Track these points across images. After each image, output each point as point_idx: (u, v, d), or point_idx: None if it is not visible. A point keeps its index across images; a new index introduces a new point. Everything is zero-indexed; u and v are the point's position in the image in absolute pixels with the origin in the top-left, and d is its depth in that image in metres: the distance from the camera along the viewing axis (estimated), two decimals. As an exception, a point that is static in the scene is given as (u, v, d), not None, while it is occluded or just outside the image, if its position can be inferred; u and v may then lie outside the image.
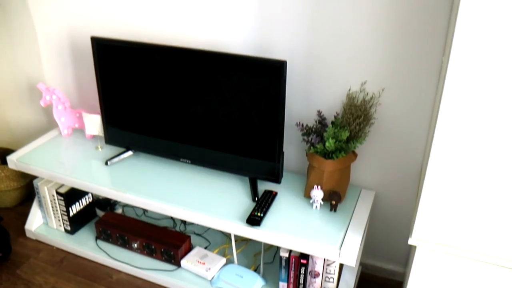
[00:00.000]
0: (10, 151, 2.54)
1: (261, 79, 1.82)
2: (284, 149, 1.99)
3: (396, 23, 1.74)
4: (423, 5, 1.67)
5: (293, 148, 2.12)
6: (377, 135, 1.97)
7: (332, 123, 1.91)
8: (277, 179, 1.98)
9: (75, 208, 2.35)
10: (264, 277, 2.10)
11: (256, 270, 2.13)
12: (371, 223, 2.15)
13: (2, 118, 2.87)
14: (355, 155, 1.96)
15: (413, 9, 1.69)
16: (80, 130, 2.51)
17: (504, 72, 1.19)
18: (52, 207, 2.35)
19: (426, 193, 1.44)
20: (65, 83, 2.55)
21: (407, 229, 1.99)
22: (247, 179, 2.09)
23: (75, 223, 2.38)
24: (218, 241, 2.32)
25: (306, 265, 1.91)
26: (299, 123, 1.94)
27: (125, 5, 2.18)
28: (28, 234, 2.46)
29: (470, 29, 1.18)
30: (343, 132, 1.82)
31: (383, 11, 1.74)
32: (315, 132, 1.92)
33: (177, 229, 2.39)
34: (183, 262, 2.14)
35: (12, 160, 2.29)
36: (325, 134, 1.85)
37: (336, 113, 1.95)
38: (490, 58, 1.19)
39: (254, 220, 1.83)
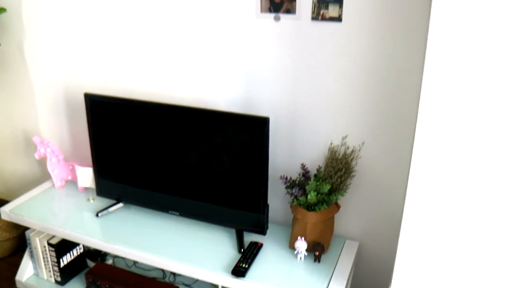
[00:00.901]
0: (4, 202, 2.59)
1: (246, 134, 1.91)
2: (270, 201, 2.05)
3: (374, 80, 1.84)
4: (398, 63, 1.78)
5: (278, 200, 2.18)
6: (359, 187, 2.04)
7: (315, 176, 1.98)
8: (262, 230, 2.04)
9: (66, 259, 2.38)
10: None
11: (243, 321, 2.16)
12: (356, 273, 2.19)
13: (-2, 169, 2.94)
14: (338, 206, 2.02)
15: (389, 67, 1.80)
16: (73, 182, 2.57)
17: (470, 127, 1.28)
18: (43, 258, 2.38)
19: (403, 245, 1.50)
20: (59, 136, 2.64)
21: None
22: (233, 230, 2.14)
23: (66, 274, 2.41)
24: (206, 291, 2.35)
25: (290, 316, 1.94)
26: (283, 176, 2.01)
27: (117, 64, 2.29)
28: (18, 285, 2.48)
29: (435, 89, 1.27)
30: (325, 185, 1.89)
31: (362, 69, 1.85)
32: (298, 185, 1.98)
33: (167, 279, 2.42)
34: (171, 313, 2.16)
35: (5, 211, 2.34)
36: (307, 187, 1.91)
37: (319, 166, 2.02)
38: (457, 116, 1.28)
39: (239, 271, 1.88)
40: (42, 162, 2.72)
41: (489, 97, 1.23)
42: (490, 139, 1.27)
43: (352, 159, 1.98)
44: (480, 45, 1.20)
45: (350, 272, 1.95)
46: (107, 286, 2.27)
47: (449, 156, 1.33)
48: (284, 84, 2.00)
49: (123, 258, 2.55)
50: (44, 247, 2.34)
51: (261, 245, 2.05)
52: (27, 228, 2.42)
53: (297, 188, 1.96)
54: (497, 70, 1.20)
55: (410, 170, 1.41)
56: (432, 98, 1.29)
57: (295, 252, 1.98)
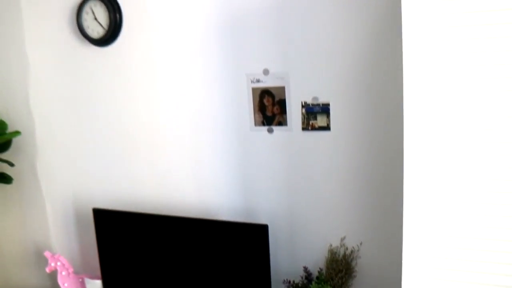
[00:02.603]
0: (14, 318, 2.63)
1: (247, 241, 1.98)
2: (275, 305, 2.09)
3: (365, 182, 1.95)
4: (385, 167, 1.89)
5: (284, 303, 2.21)
6: (361, 287, 2.07)
7: (317, 278, 2.03)
8: (268, 336, 2.05)
9: None
10: None
11: None
12: None
13: (9, 283, 2.98)
14: (342, 308, 2.04)
15: (377, 170, 1.91)
16: (82, 294, 2.62)
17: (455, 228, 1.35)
18: None
19: None
20: (69, 249, 2.72)
21: None
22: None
23: None
24: None
25: None
26: (286, 280, 2.06)
27: (124, 177, 2.43)
28: None
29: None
30: (326, 287, 1.93)
31: (353, 173, 1.96)
32: (301, 289, 2.03)
33: None
34: None
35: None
36: (309, 291, 1.96)
37: (320, 268, 2.07)
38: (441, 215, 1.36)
39: None
40: (53, 275, 2.77)
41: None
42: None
43: (352, 260, 2.03)
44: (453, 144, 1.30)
45: None
46: None
47: (437, 248, 1.40)
48: (281, 190, 2.10)
49: None
50: None
51: None
52: None
53: (300, 292, 2.00)
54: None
55: (403, 268, 1.47)
56: (413, 202, 1.38)
57: None
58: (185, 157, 2.26)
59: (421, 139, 1.34)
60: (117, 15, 2.25)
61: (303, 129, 2.00)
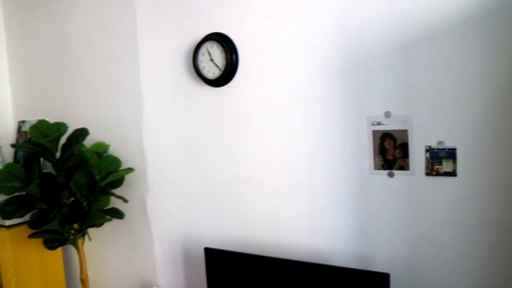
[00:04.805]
0: None
1: (365, 290, 1.90)
2: None
3: (495, 236, 1.81)
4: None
5: None
6: None
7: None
8: None
9: None
10: None
11: None
12: None
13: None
14: None
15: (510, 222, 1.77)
16: (187, 333, 2.62)
17: None
18: None
19: None
20: (175, 286, 2.73)
21: None
22: None
23: None
24: None
25: None
26: (406, 334, 1.94)
27: (232, 217, 2.43)
28: None
29: None
30: None
31: (482, 224, 1.83)
32: None
33: None
34: None
35: None
36: None
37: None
38: None
39: None
40: (158, 312, 2.81)
41: None
42: None
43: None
44: None
45: None
46: None
47: None
48: (400, 238, 2.00)
49: None
50: None
51: None
52: None
53: None
54: None
55: None
56: None
57: None
58: (299, 199, 2.22)
59: None
60: (233, 56, 2.29)
61: (427, 174, 1.90)
